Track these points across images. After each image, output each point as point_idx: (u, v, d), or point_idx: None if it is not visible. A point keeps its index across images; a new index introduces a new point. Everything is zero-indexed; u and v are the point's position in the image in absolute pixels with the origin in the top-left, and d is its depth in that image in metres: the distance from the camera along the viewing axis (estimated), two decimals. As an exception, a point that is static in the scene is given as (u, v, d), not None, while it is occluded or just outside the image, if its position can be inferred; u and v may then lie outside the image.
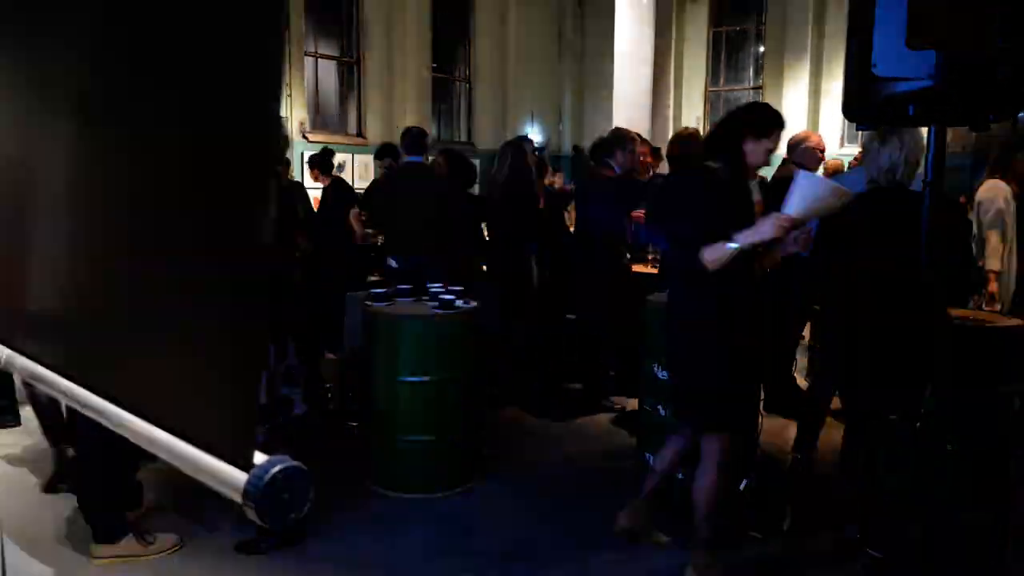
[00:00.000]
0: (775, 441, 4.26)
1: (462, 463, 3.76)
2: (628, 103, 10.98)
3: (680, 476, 3.23)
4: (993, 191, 4.47)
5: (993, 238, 4.39)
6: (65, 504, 3.46)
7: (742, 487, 3.37)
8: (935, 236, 2.31)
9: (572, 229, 5.53)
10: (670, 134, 12.38)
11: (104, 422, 0.80)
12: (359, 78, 10.09)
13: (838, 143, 10.45)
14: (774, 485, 3.26)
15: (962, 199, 4.94)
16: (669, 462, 3.06)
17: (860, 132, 9.89)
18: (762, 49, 12.04)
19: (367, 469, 3.78)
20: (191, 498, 3.44)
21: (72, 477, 3.30)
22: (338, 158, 9.71)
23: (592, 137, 6.64)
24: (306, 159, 6.43)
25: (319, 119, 9.85)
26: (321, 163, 5.75)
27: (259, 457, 0.63)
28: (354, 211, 5.49)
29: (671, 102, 12.44)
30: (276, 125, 0.66)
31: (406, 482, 3.67)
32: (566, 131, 12.31)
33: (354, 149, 9.90)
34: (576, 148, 11.48)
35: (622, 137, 4.94)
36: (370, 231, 5.71)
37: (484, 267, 5.36)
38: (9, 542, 2.77)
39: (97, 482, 3.03)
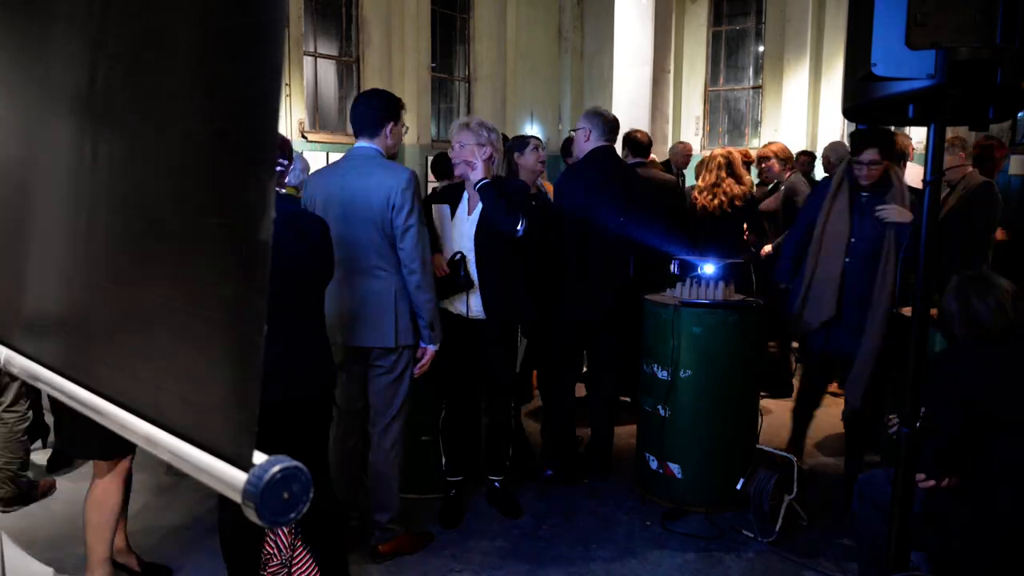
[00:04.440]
0: (773, 442, 4.26)
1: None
2: (628, 103, 10.97)
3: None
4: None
5: None
6: (65, 504, 3.46)
7: (739, 487, 3.37)
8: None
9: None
10: (670, 133, 12.44)
11: (105, 422, 0.80)
12: (359, 78, 10.08)
13: (837, 143, 10.43)
14: (771, 485, 3.27)
15: None
16: None
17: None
18: (762, 48, 12.04)
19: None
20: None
21: None
22: (337, 158, 9.74)
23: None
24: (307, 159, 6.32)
25: (319, 119, 9.84)
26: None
27: (259, 456, 0.63)
28: None
29: (671, 101, 12.44)
30: (276, 124, 0.65)
31: (406, 482, 3.65)
32: (566, 131, 12.31)
33: (354, 149, 9.89)
34: None
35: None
36: None
37: None
38: (9, 542, 2.76)
39: None
